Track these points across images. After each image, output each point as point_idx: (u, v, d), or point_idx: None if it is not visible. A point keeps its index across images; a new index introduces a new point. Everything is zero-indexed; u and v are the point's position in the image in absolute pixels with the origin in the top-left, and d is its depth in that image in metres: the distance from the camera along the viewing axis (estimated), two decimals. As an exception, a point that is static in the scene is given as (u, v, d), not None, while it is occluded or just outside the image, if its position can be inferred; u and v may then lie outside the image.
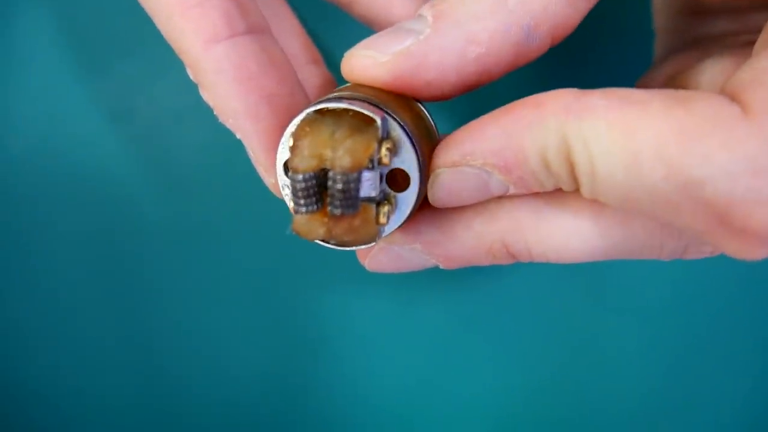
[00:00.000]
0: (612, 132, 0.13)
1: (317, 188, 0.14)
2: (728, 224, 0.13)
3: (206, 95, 0.17)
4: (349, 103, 0.14)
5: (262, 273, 0.26)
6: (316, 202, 0.14)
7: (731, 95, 0.13)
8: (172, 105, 0.25)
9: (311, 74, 0.22)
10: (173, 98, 0.25)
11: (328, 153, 0.14)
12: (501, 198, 0.16)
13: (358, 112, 0.14)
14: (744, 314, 0.27)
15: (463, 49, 0.15)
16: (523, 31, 0.15)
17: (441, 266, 0.17)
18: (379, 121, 0.14)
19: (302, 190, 0.14)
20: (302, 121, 0.15)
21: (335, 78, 0.23)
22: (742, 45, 0.18)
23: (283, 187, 0.15)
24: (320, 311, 0.27)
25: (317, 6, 0.24)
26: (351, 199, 0.14)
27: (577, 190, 0.15)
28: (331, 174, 0.14)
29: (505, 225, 0.16)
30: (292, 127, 0.15)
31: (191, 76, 0.17)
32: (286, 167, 0.15)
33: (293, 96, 0.17)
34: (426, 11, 0.15)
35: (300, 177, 0.14)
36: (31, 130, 0.25)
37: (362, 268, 0.25)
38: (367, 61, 0.15)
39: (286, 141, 0.15)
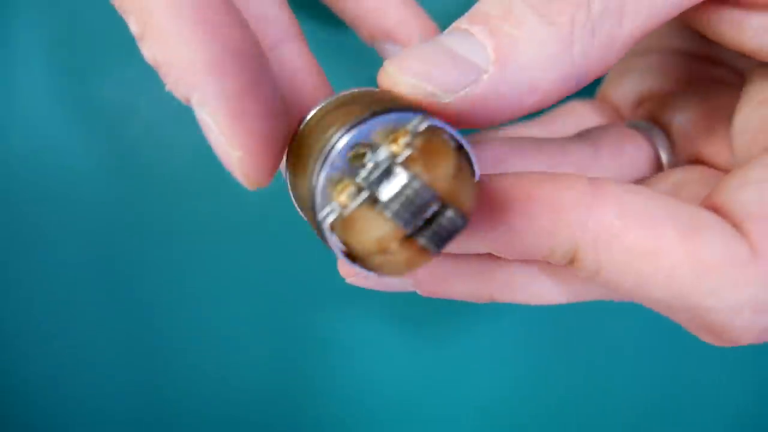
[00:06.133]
0: (626, 256, 0.14)
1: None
2: (718, 336, 0.15)
3: (153, 49, 0.14)
4: (472, 146, 0.14)
5: (261, 274, 0.26)
6: (412, 222, 0.13)
7: (737, 223, 0.14)
8: (170, 105, 0.25)
9: (292, 53, 0.19)
10: (172, 99, 0.25)
11: (445, 185, 0.13)
12: (499, 259, 0.16)
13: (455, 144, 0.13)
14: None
15: (522, 97, 0.14)
16: (576, 82, 0.14)
17: (419, 293, 0.17)
18: (476, 170, 0.14)
19: (414, 205, 0.13)
20: (423, 130, 0.13)
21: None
22: (709, 84, 0.19)
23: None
24: (320, 312, 0.27)
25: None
26: (448, 242, 0.13)
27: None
28: (445, 208, 0.13)
29: (498, 285, 0.17)
30: (404, 123, 0.13)
31: (132, 27, 0.14)
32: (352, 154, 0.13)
33: (262, 67, 0.14)
34: (483, 36, 0.14)
35: (420, 191, 0.13)
36: (28, 131, 0.25)
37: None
38: (428, 98, 0.14)
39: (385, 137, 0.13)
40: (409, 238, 0.13)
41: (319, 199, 0.13)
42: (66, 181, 0.25)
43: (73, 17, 0.25)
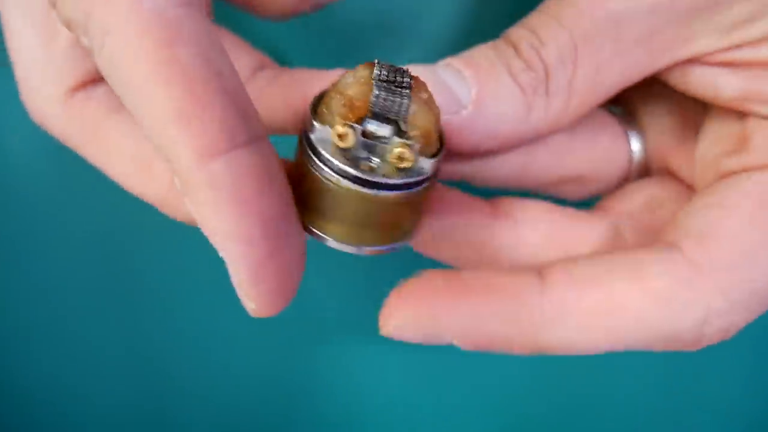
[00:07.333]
0: (591, 321, 0.16)
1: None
2: (690, 347, 0.17)
3: (193, 208, 0.15)
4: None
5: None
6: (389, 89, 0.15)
7: (676, 246, 0.17)
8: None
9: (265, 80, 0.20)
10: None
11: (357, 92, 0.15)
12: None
13: None
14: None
15: (483, 139, 0.17)
16: (528, 138, 0.17)
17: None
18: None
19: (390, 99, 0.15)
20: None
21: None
22: (673, 109, 0.20)
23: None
24: (320, 312, 0.27)
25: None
26: (400, 71, 0.15)
27: None
28: (375, 73, 0.15)
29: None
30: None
31: (177, 183, 0.15)
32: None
33: (289, 215, 0.15)
34: (470, 78, 0.17)
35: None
36: (27, 129, 0.23)
37: (361, 267, 0.25)
38: None
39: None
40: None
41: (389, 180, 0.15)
42: (66, 180, 0.25)
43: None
